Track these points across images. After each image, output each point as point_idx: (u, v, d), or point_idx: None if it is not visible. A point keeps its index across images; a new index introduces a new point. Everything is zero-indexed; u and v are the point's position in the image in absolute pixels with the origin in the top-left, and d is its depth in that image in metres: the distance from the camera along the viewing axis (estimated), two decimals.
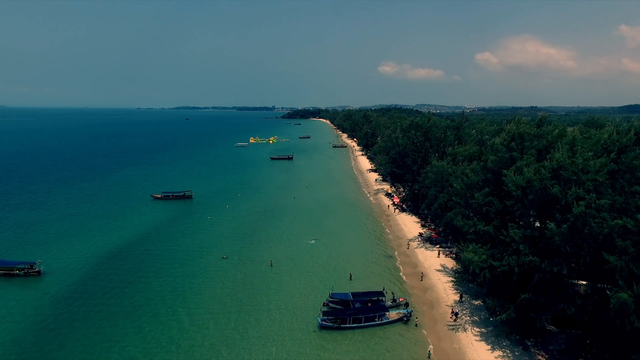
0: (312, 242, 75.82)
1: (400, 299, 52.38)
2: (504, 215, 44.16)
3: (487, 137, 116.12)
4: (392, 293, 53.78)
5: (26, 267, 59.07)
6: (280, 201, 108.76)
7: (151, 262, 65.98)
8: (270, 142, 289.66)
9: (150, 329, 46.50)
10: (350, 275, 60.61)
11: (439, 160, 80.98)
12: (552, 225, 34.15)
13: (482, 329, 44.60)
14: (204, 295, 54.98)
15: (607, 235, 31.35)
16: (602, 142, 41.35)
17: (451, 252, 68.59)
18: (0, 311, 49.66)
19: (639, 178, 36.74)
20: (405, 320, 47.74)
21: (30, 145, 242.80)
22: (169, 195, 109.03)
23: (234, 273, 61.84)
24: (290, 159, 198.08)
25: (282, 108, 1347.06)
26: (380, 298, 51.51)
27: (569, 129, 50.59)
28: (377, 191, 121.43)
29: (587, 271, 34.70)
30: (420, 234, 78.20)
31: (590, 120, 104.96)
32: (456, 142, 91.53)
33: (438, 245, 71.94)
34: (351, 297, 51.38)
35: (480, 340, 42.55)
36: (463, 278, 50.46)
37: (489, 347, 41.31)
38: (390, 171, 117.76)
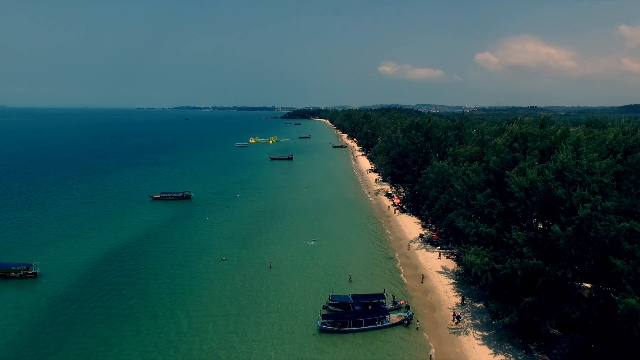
0: (312, 243, 75.20)
1: (401, 302, 51.72)
2: (507, 217, 43.52)
3: (488, 137, 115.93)
4: (393, 295, 53.13)
5: (22, 269, 58.45)
6: (279, 202, 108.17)
7: (150, 264, 65.36)
8: (270, 142, 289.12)
9: (148, 332, 45.86)
10: (350, 277, 59.99)
11: (440, 161, 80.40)
12: (556, 227, 33.53)
13: (484, 333, 43.96)
14: (203, 297, 54.35)
15: (613, 239, 30.70)
16: (608, 142, 40.65)
17: (452, 253, 67.97)
18: None
19: None
20: (406, 323, 47.07)
21: (30, 146, 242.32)
22: (168, 196, 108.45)
23: (233, 275, 61.22)
24: (290, 159, 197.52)
25: (282, 108, 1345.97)
26: (380, 301, 50.87)
27: (572, 129, 49.75)
28: (377, 192, 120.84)
29: (593, 274, 34.05)
30: (421, 235, 77.57)
31: (591, 120, 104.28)
32: (457, 143, 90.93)
33: (439, 247, 71.32)
34: (351, 299, 50.74)
35: (483, 344, 41.90)
36: (464, 280, 49.88)
37: (492, 351, 40.68)
38: (391, 171, 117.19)
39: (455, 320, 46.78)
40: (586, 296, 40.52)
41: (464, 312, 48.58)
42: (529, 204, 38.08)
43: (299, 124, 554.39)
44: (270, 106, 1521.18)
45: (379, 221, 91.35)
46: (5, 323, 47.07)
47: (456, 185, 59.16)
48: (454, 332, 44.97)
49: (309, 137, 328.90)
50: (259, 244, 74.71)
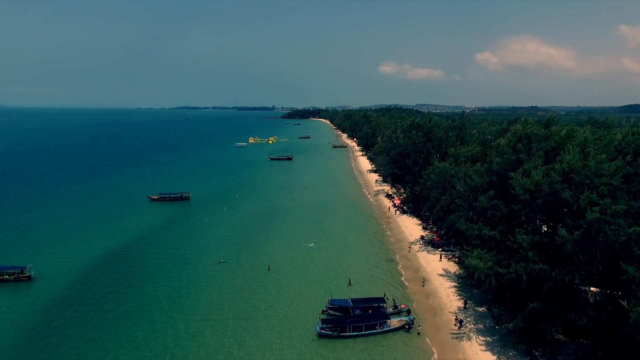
0: (311, 245, 74.25)
1: (402, 306, 50.77)
2: (511, 220, 42.50)
3: (489, 137, 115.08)
4: (394, 299, 52.14)
5: (16, 272, 57.52)
6: (279, 202, 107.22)
7: (147, 266, 64.44)
8: (270, 142, 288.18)
9: (144, 337, 44.97)
10: (350, 280, 58.98)
11: (441, 162, 79.50)
12: (563, 232, 32.45)
13: (488, 338, 42.97)
14: (201, 301, 53.41)
15: (623, 244, 29.69)
16: (616, 143, 39.55)
17: (454, 255, 66.98)
18: None
19: None
20: (407, 328, 46.07)
21: (29, 146, 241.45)
22: (166, 197, 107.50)
23: (231, 277, 60.29)
24: (290, 159, 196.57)
25: (282, 108, 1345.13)
26: (381, 304, 49.91)
27: (578, 130, 48.57)
28: (378, 192, 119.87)
29: (601, 280, 33.02)
30: (422, 237, 76.60)
31: (596, 121, 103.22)
32: (458, 143, 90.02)
33: (440, 249, 70.36)
34: (351, 303, 49.77)
35: (486, 350, 40.90)
36: (467, 284, 48.90)
37: (495, 357, 39.67)
38: (391, 172, 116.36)
39: (458, 324, 45.78)
40: (592, 300, 39.59)
41: (467, 317, 47.59)
42: (534, 206, 37.06)
43: (299, 124, 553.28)
44: (270, 106, 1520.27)
45: (379, 222, 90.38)
46: None
47: (458, 187, 58.23)
48: (457, 337, 44.00)
49: (308, 137, 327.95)
50: (258, 246, 73.77)
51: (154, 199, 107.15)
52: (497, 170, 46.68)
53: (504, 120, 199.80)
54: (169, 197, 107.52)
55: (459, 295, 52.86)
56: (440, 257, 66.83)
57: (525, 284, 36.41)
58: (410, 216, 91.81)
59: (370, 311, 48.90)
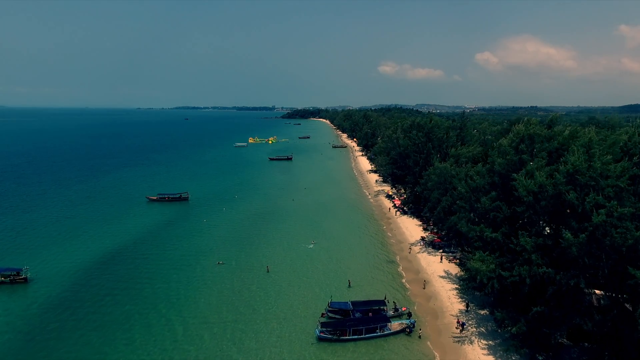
0: (311, 246, 73.62)
1: (403, 308, 50.09)
2: (513, 222, 41.82)
3: (489, 137, 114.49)
4: (394, 302, 51.48)
5: (12, 274, 56.86)
6: (278, 203, 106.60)
7: (145, 268, 63.82)
8: (270, 142, 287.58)
9: (142, 340, 44.35)
10: (349, 282, 58.30)
11: (442, 162, 78.87)
12: (568, 235, 31.70)
13: (490, 342, 42.30)
14: (200, 303, 52.77)
15: (631, 247, 29.01)
16: (622, 144, 38.83)
17: (455, 257, 66.35)
18: None
19: None
20: (408, 331, 45.39)
21: (28, 146, 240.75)
22: (165, 197, 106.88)
23: (230, 280, 59.66)
24: (290, 159, 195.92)
25: (282, 108, 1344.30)
26: (381, 307, 49.23)
27: (581, 130, 47.82)
28: (378, 193, 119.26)
29: (607, 283, 32.33)
30: (423, 238, 75.96)
31: (594, 120, 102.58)
32: (459, 143, 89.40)
33: (441, 250, 69.70)
34: (351, 306, 49.10)
35: (488, 354, 40.23)
36: (468, 286, 48.21)
37: None
38: (391, 172, 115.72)
39: (460, 327, 45.12)
40: (596, 303, 38.96)
41: (468, 320, 46.95)
42: (538, 208, 36.38)
43: (299, 124, 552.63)
44: (270, 106, 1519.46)
45: (379, 223, 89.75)
46: None
47: (459, 188, 57.59)
48: (458, 341, 43.35)
49: (308, 137, 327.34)
50: (258, 247, 73.15)
51: (153, 200, 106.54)
52: (499, 171, 46.02)
53: (504, 120, 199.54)
54: (168, 197, 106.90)
55: (461, 297, 52.21)
56: (441, 259, 66.21)
57: (529, 287, 35.71)
58: (410, 217, 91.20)
59: (370, 314, 48.25)
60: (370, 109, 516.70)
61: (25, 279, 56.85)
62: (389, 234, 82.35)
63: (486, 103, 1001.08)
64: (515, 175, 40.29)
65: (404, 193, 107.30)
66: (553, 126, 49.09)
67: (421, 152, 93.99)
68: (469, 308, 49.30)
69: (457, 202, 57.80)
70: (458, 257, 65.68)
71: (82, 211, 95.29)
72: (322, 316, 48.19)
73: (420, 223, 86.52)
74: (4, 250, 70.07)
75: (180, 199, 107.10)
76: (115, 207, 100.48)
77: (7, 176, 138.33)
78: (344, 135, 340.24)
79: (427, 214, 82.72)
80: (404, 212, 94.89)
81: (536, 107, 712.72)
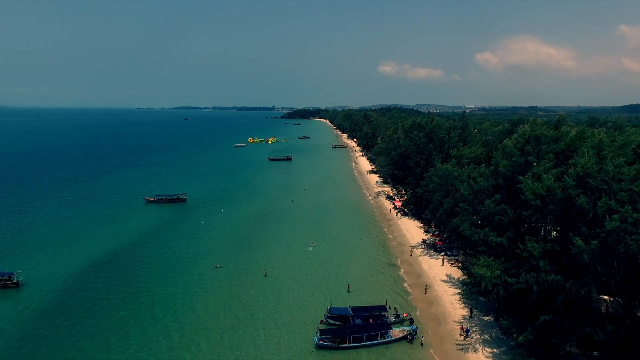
0: (310, 249, 72.34)
1: (404, 314, 48.74)
2: (519, 226, 40.42)
3: (491, 137, 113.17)
4: (395, 308, 50.15)
5: (3, 278, 55.48)
6: (278, 204, 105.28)
7: (141, 271, 62.54)
8: (269, 142, 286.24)
9: (137, 347, 43.13)
10: (349, 287, 56.94)
11: (443, 163, 77.59)
12: (579, 241, 30.29)
13: (495, 350, 40.97)
14: (197, 308, 51.48)
15: None
16: (635, 145, 37.39)
17: (457, 260, 65.05)
18: None
19: None
20: (409, 338, 44.02)
21: (27, 146, 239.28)
22: (162, 199, 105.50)
23: (229, 283, 58.37)
24: (289, 159, 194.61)
25: (282, 108, 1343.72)
26: (382, 313, 47.85)
27: (588, 130, 46.40)
28: (378, 194, 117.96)
29: (618, 292, 30.94)
30: (424, 241, 74.66)
31: (594, 119, 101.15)
32: (461, 144, 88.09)
33: (443, 253, 68.36)
34: (351, 312, 47.70)
35: None
36: (472, 291, 46.89)
37: None
38: (392, 173, 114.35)
39: (464, 334, 43.77)
40: (604, 310, 37.62)
41: (472, 326, 45.58)
42: (546, 212, 35.00)
43: (299, 124, 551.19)
44: (270, 106, 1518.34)
45: (380, 225, 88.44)
46: None
47: (462, 189, 56.30)
48: (462, 349, 42.01)
49: (308, 138, 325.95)
50: (257, 250, 71.85)
51: (150, 201, 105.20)
52: (503, 173, 44.63)
53: (504, 120, 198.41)
54: (165, 198, 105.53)
55: (464, 303, 50.85)
56: (443, 262, 64.88)
57: (536, 294, 34.30)
58: (411, 219, 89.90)
59: (371, 320, 46.85)
60: (370, 109, 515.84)
61: (17, 284, 55.50)
62: (389, 236, 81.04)
63: (486, 103, 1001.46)
64: (521, 177, 38.86)
65: (405, 194, 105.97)
66: (560, 127, 47.56)
67: (422, 153, 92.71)
68: (472, 314, 47.94)
69: (460, 204, 56.53)
70: (460, 260, 64.41)
71: (78, 213, 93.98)
72: (320, 323, 46.79)
73: (421, 225, 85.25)
74: None
75: (178, 200, 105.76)
76: (112, 208, 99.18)
77: (4, 177, 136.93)
78: (344, 136, 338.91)
79: (429, 216, 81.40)
80: (405, 214, 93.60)
81: (536, 107, 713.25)
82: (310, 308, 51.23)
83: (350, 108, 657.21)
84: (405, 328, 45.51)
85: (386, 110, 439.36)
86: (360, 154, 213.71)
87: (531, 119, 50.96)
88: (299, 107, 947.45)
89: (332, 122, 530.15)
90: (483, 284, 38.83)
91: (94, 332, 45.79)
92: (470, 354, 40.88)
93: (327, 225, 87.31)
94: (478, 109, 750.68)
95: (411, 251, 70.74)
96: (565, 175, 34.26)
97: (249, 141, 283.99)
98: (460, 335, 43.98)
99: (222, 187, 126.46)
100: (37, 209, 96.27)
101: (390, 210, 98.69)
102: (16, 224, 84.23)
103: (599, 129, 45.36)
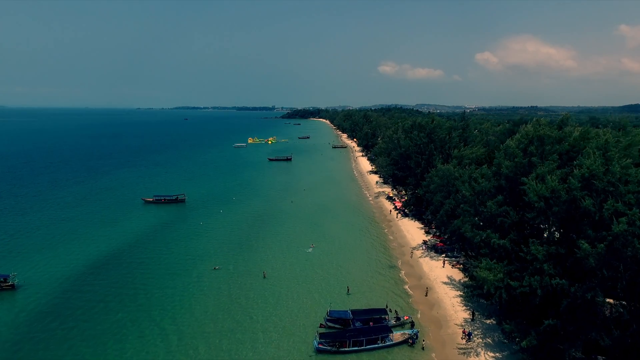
0: (310, 250, 71.68)
1: (405, 317, 48.04)
2: (522, 228, 39.69)
3: (492, 137, 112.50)
4: (395, 311, 49.44)
5: None
6: (277, 205, 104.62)
7: (139, 273, 61.87)
8: (269, 142, 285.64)
9: (134, 351, 42.46)
10: (348, 289, 56.25)
11: (444, 163, 76.93)
12: (585, 245, 29.57)
13: (497, 354, 40.25)
14: (195, 311, 50.78)
15: None
16: None
17: (458, 262, 64.38)
18: None
19: None
20: (410, 342, 43.30)
21: (26, 146, 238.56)
22: (161, 199, 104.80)
23: (228, 286, 57.68)
24: (289, 160, 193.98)
25: (282, 108, 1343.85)
26: (382, 316, 47.16)
27: (592, 130, 45.66)
28: (378, 194, 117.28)
29: (625, 296, 30.23)
30: (425, 242, 73.94)
31: (594, 119, 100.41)
32: (462, 144, 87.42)
33: (444, 255, 67.70)
34: (351, 315, 46.99)
35: None
36: (473, 294, 46.18)
37: None
38: (392, 173, 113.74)
39: (466, 338, 43.05)
40: (608, 314, 36.93)
41: (474, 329, 44.89)
42: (550, 215, 34.28)
43: (299, 124, 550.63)
44: (270, 106, 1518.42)
45: (380, 226, 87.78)
46: None
47: (463, 190, 55.64)
48: (464, 353, 41.31)
49: (308, 138, 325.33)
50: (256, 251, 71.20)
51: (149, 202, 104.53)
52: (506, 174, 43.91)
53: (504, 120, 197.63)
54: (164, 199, 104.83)
55: (465, 305, 50.16)
56: (444, 264, 64.22)
57: (540, 298, 33.58)
58: (412, 219, 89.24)
59: (371, 323, 46.18)
60: (370, 109, 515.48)
61: (13, 286, 54.78)
62: (390, 237, 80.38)
63: (486, 103, 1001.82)
64: (524, 179, 38.10)
65: (405, 195, 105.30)
66: (564, 127, 46.76)
67: (423, 153, 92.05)
68: (474, 317, 47.23)
69: (461, 205, 55.87)
70: (461, 262, 63.75)
71: (76, 213, 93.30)
72: (320, 326, 46.09)
73: (421, 226, 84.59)
74: None
75: (177, 201, 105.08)
76: (111, 209, 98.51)
77: (2, 177, 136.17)
78: (344, 136, 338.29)
79: (429, 217, 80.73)
80: (405, 215, 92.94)
81: (536, 107, 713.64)
82: (310, 310, 50.57)
83: (350, 108, 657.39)
84: (406, 331, 44.83)
85: (386, 110, 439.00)
86: (361, 154, 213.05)
87: (534, 119, 50.06)
88: (299, 107, 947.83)
89: (332, 122, 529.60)
90: (485, 287, 38.10)
91: (91, 335, 45.12)
92: (473, 358, 40.20)
93: (327, 226, 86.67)
94: (478, 109, 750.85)
95: (412, 252, 70.09)
96: (570, 177, 33.54)
97: (249, 141, 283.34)
98: (462, 338, 43.30)
99: (221, 188, 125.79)
100: (35, 210, 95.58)
101: (390, 211, 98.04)
102: (13, 225, 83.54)
103: (604, 129, 44.53)
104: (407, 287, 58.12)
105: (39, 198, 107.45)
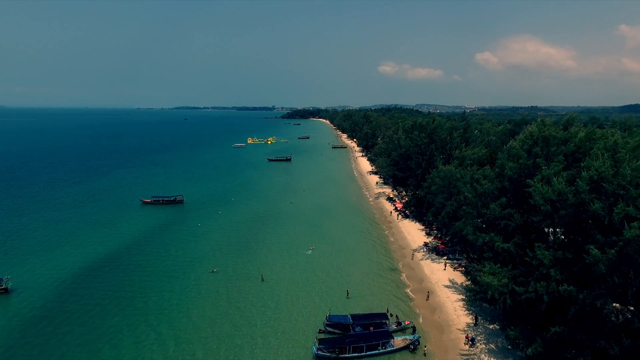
0: (309, 252, 70.72)
1: (406, 322, 47.03)
2: (527, 231, 38.62)
3: (493, 138, 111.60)
4: (396, 316, 48.45)
5: None
6: (276, 206, 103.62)
7: (136, 276, 60.88)
8: (269, 142, 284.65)
9: (129, 358, 41.44)
10: (348, 293, 55.27)
11: (445, 164, 75.94)
12: (595, 250, 28.53)
13: None
14: (193, 315, 49.80)
15: None
16: None
17: (460, 264, 63.39)
18: None
19: None
20: (412, 348, 42.32)
21: (25, 146, 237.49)
22: (159, 200, 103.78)
23: (226, 289, 56.70)
24: (289, 160, 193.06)
25: (282, 108, 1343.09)
26: (383, 321, 46.14)
27: (598, 131, 44.62)
28: (378, 195, 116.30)
29: (636, 303, 29.21)
30: (426, 244, 72.98)
31: (595, 119, 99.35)
32: (463, 145, 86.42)
33: (445, 257, 66.72)
34: (351, 320, 45.95)
35: None
36: (476, 298, 45.18)
37: None
38: (392, 174, 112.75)
39: (470, 343, 42.04)
40: (614, 319, 35.90)
41: (476, 335, 43.91)
42: (556, 218, 33.22)
43: (299, 124, 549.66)
44: (270, 106, 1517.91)
45: (380, 227, 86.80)
46: None
47: (465, 192, 54.64)
48: (467, 359, 40.34)
49: (308, 138, 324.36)
50: (255, 253, 70.21)
51: (147, 203, 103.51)
52: (510, 175, 42.88)
53: (505, 120, 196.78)
54: (162, 200, 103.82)
55: (467, 310, 49.15)
56: (445, 266, 63.25)
57: (546, 305, 32.52)
58: (412, 221, 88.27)
59: (371, 328, 45.18)
60: (370, 109, 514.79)
61: (6, 290, 53.76)
62: (390, 238, 79.41)
63: (486, 103, 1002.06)
64: (530, 181, 37.05)
65: (406, 196, 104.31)
66: (570, 127, 45.64)
67: (423, 154, 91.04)
68: (477, 322, 46.21)
69: (463, 207, 54.87)
70: (463, 264, 62.77)
71: (73, 215, 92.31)
72: (320, 332, 45.09)
73: (422, 227, 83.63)
74: None
75: (175, 202, 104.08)
76: (109, 210, 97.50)
77: (0, 178, 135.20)
78: (344, 136, 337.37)
79: (430, 219, 79.71)
80: (406, 216, 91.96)
81: (536, 107, 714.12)
82: (310, 315, 49.61)
83: (350, 108, 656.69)
84: (408, 337, 43.83)
85: (386, 110, 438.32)
86: (360, 154, 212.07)
87: (539, 120, 48.92)
88: (299, 107, 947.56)
89: (332, 122, 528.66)
90: (489, 292, 37.04)
91: (86, 340, 44.12)
92: None
93: (327, 227, 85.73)
94: (478, 109, 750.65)
95: (412, 255, 69.13)
96: (578, 179, 32.49)
97: (249, 141, 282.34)
98: (465, 344, 42.28)
99: (220, 188, 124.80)
100: (32, 211, 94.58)
101: (391, 212, 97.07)
102: (9, 227, 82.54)
103: (612, 130, 43.48)
104: (408, 290, 57.14)
105: (36, 199, 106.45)
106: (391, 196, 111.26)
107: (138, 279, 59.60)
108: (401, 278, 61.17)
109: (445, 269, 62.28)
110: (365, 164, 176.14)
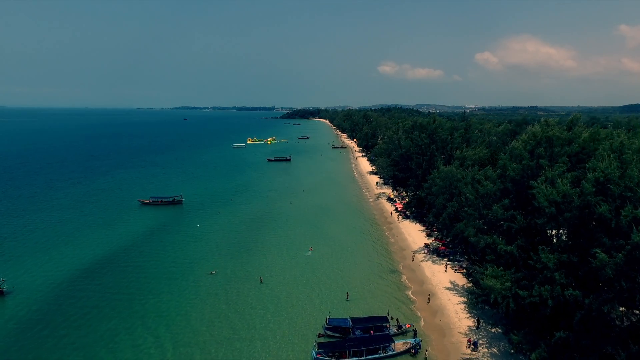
0: (308, 254, 70.07)
1: (407, 325, 46.34)
2: (530, 234, 37.94)
3: (494, 138, 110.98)
4: (397, 319, 47.74)
5: None
6: (276, 207, 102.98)
7: (134, 278, 60.22)
8: (269, 142, 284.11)
9: None
10: (347, 295, 54.58)
11: (446, 164, 75.32)
12: (602, 254, 27.85)
13: None
14: (191, 317, 49.12)
15: None
16: None
17: (461, 266, 62.71)
18: None
19: None
20: (413, 352, 41.64)
21: (25, 147, 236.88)
22: (158, 201, 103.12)
23: (225, 291, 56.04)
24: (288, 160, 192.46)
25: (282, 108, 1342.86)
26: (384, 324, 45.43)
27: (602, 131, 43.93)
28: (378, 195, 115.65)
29: None
30: (426, 245, 72.30)
31: (594, 119, 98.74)
32: (464, 145, 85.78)
33: (446, 259, 66.03)
34: (350, 323, 45.24)
35: None
36: (478, 301, 44.50)
37: None
38: (392, 174, 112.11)
39: (472, 347, 41.37)
40: (618, 322, 35.25)
41: (479, 338, 43.21)
42: (561, 220, 32.54)
43: (298, 124, 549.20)
44: (270, 106, 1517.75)
45: (381, 228, 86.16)
46: None
47: (466, 193, 53.99)
48: None
49: (308, 138, 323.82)
50: (254, 255, 69.56)
51: (145, 203, 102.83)
52: (512, 177, 42.20)
53: (505, 120, 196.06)
54: (161, 201, 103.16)
55: (469, 313, 48.45)
56: (446, 268, 62.57)
57: (551, 309, 31.85)
58: (413, 222, 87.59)
59: (372, 332, 44.49)
60: (370, 109, 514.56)
61: (2, 292, 53.10)
62: (391, 239, 78.76)
63: (486, 103, 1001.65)
64: (533, 182, 36.37)
65: (406, 196, 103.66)
66: (574, 128, 44.95)
67: (424, 154, 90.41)
68: (479, 325, 45.53)
69: (465, 208, 54.22)
70: (464, 266, 62.10)
71: (71, 215, 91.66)
72: (319, 336, 44.38)
73: (423, 228, 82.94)
74: None
75: (174, 203, 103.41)
76: (107, 211, 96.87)
77: None
78: (344, 136, 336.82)
79: (431, 220, 79.09)
80: (406, 217, 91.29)
81: (536, 107, 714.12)
82: (310, 317, 48.95)
83: (350, 108, 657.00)
84: (409, 340, 43.13)
85: (386, 111, 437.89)
86: (360, 154, 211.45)
87: (542, 120, 48.17)
88: (299, 107, 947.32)
89: (332, 122, 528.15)
90: (492, 295, 36.36)
91: (83, 344, 43.45)
92: None
93: (327, 228, 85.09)
94: (478, 109, 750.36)
95: (413, 256, 68.46)
96: (583, 181, 31.81)
97: (248, 141, 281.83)
98: (467, 348, 41.61)
99: (219, 189, 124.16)
100: (30, 212, 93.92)
101: (391, 212, 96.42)
102: (6, 228, 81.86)
103: (617, 130, 42.80)
104: (409, 292, 56.46)
105: (34, 199, 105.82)
106: (391, 197, 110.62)
107: (136, 281, 58.92)
108: (402, 280, 60.52)
109: (446, 271, 61.61)
110: (365, 164, 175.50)
